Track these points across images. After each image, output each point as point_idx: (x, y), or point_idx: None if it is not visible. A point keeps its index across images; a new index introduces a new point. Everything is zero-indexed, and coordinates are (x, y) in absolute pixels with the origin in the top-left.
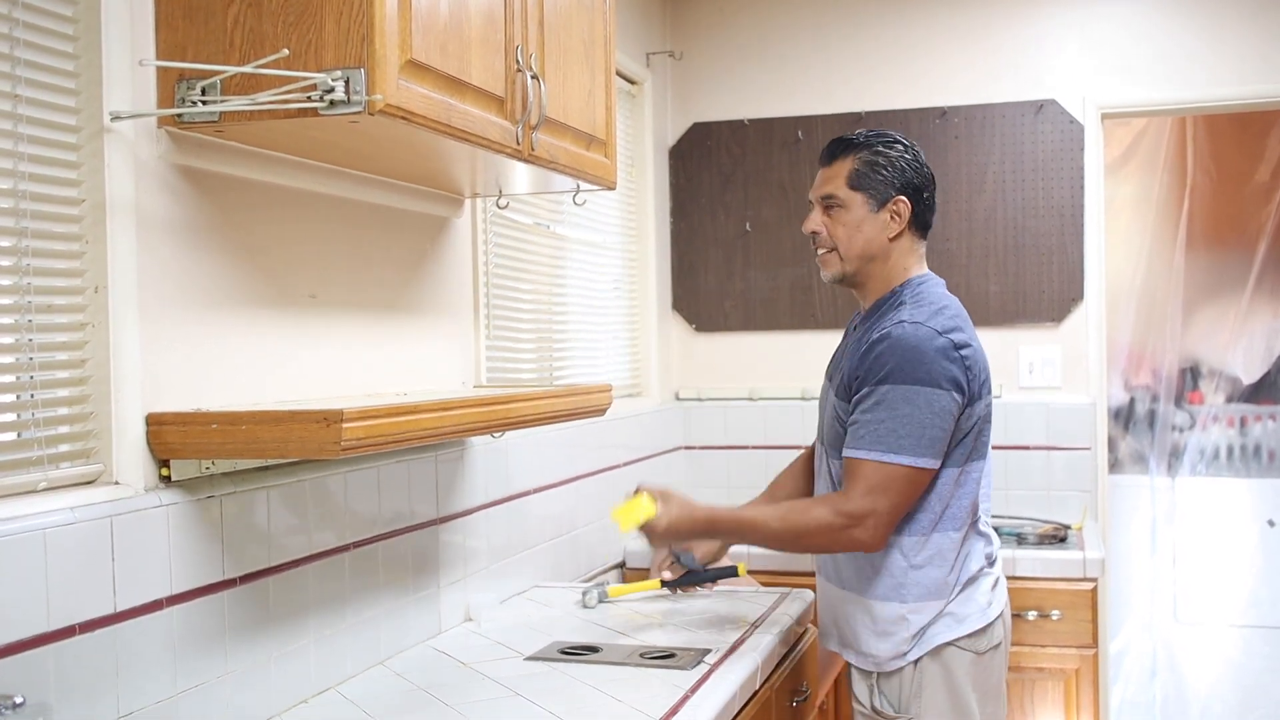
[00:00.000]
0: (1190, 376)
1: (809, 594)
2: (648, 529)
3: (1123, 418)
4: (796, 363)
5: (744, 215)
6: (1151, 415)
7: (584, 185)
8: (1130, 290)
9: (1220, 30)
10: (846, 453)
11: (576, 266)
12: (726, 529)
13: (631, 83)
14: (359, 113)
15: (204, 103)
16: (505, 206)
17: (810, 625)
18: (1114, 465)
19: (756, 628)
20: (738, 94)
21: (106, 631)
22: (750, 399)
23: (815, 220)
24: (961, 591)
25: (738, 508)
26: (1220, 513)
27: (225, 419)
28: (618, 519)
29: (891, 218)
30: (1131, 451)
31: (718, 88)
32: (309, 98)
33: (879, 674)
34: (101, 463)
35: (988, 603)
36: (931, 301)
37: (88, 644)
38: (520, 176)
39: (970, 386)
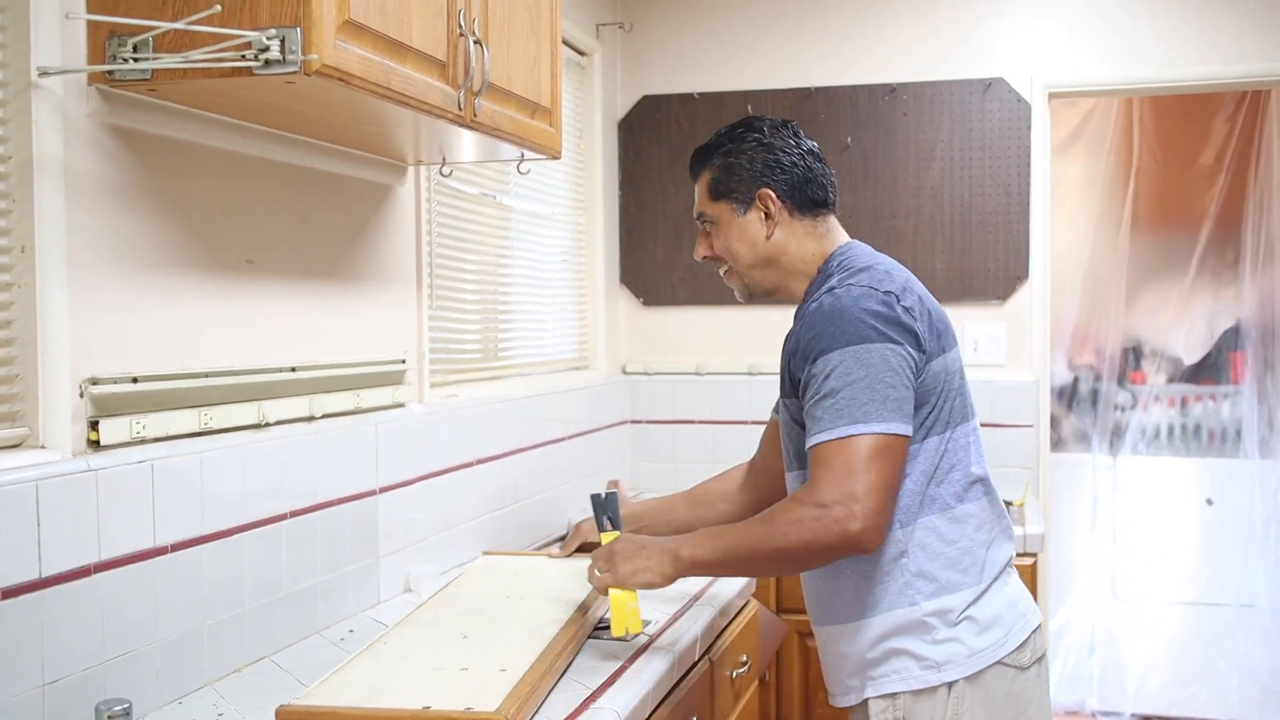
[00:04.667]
0: (1133, 356)
1: None
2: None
3: (1066, 396)
4: (744, 338)
5: (693, 189)
6: (1094, 394)
7: (528, 154)
8: (1075, 270)
9: (1168, 12)
10: (808, 443)
11: (523, 238)
12: (703, 559)
13: (581, 54)
14: (294, 73)
15: (135, 60)
16: (449, 175)
17: (751, 598)
18: (1056, 443)
19: (697, 600)
20: (688, 67)
21: (32, 597)
22: (697, 373)
23: (700, 244)
24: (991, 586)
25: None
26: (1160, 491)
27: None
28: (621, 630)
29: (763, 217)
30: (1074, 430)
31: (668, 60)
32: (243, 56)
33: (904, 699)
34: (27, 426)
35: (1028, 607)
36: (856, 264)
37: (11, 610)
38: (463, 144)
39: (926, 339)
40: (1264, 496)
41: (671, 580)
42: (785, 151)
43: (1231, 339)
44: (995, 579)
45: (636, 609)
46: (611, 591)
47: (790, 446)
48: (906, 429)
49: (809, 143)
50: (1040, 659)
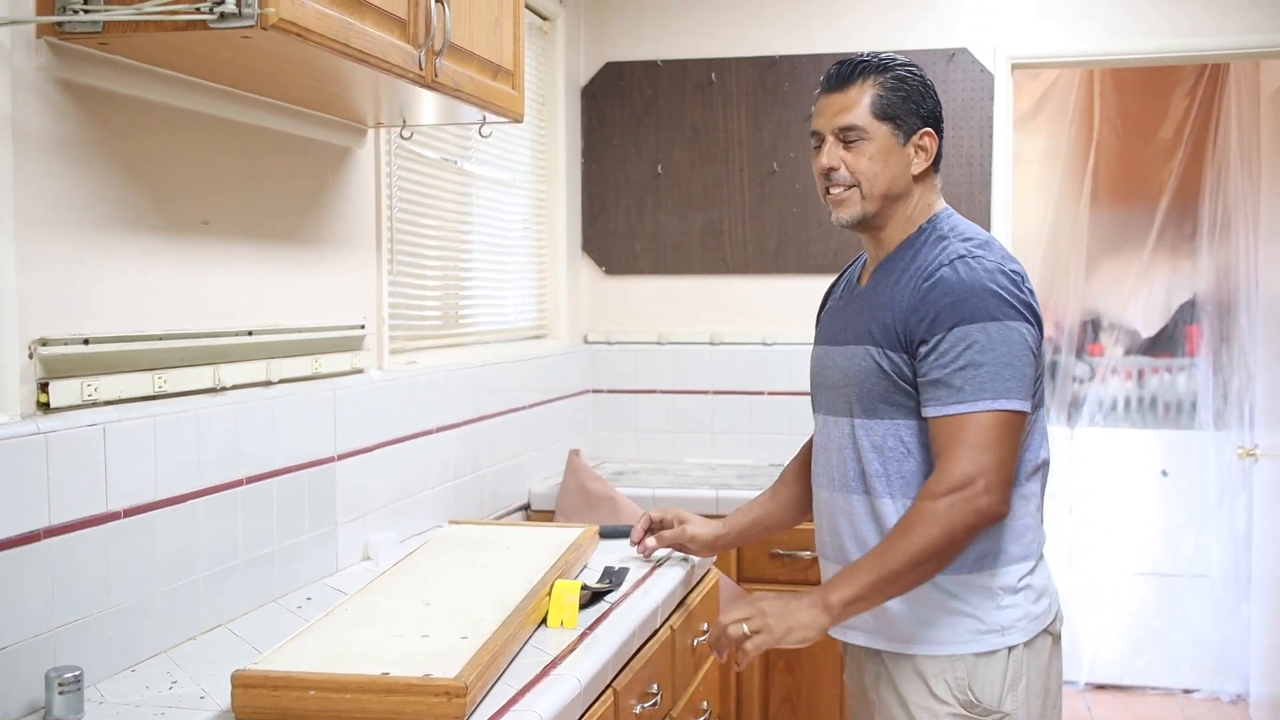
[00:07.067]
0: (1091, 329)
1: None
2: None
3: None
4: (706, 307)
5: (656, 157)
6: (1053, 366)
7: (490, 116)
8: (1036, 243)
9: None
10: (938, 412)
11: (485, 204)
12: (851, 597)
13: (544, 18)
14: (250, 27)
15: (86, 11)
16: (409, 138)
17: (713, 567)
18: None
19: (658, 568)
20: (652, 34)
21: None
22: (659, 343)
23: (832, 154)
24: (1041, 559)
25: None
26: (1116, 463)
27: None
28: (557, 623)
29: (917, 152)
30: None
31: (632, 27)
32: (198, 10)
33: (966, 660)
34: None
35: (1052, 580)
36: (974, 235)
37: None
38: (424, 105)
39: (1039, 322)
40: (1218, 468)
41: (826, 631)
42: (940, 104)
43: (1188, 312)
44: (1041, 554)
45: (575, 605)
46: (556, 582)
47: (863, 393)
48: (1028, 407)
49: None
50: (1060, 633)
